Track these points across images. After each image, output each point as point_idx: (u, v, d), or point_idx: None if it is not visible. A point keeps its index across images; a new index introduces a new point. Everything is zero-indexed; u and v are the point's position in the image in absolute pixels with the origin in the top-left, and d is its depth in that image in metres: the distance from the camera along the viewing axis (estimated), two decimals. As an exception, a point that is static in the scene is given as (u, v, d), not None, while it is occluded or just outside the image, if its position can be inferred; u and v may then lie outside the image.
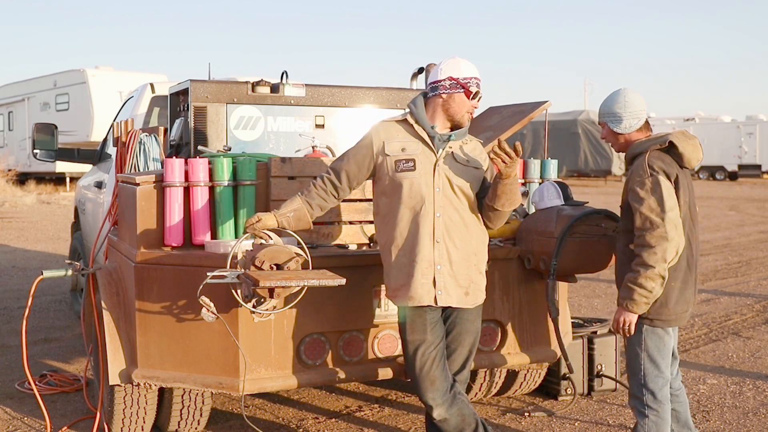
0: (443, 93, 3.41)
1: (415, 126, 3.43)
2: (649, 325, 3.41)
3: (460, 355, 3.52)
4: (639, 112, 3.46)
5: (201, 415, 4.14)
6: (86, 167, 9.27)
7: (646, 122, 3.51)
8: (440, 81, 3.42)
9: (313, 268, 3.41)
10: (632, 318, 3.36)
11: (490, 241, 4.04)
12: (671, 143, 3.39)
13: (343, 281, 3.26)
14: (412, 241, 3.37)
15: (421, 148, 3.41)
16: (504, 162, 3.27)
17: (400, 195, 3.38)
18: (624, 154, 3.55)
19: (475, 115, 3.56)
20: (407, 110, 3.52)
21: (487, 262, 3.61)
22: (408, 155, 3.39)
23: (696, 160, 3.45)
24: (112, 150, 5.71)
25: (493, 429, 4.41)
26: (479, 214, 3.51)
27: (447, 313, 3.48)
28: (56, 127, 6.55)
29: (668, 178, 3.33)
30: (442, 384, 3.40)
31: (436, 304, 3.38)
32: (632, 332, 3.39)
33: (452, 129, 3.46)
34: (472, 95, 3.40)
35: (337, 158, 3.57)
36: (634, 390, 3.52)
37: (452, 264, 3.39)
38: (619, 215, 3.66)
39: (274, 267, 3.27)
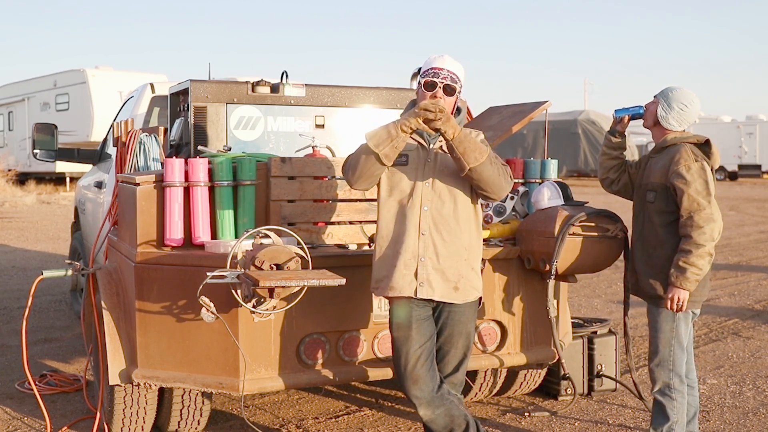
0: (417, 91, 3.50)
1: None
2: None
3: (454, 357, 3.50)
4: (686, 120, 3.75)
5: (201, 415, 4.14)
6: (86, 167, 9.27)
7: (683, 130, 3.79)
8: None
9: (313, 268, 3.42)
10: (685, 295, 3.57)
11: (490, 241, 4.06)
12: (708, 141, 3.74)
13: (343, 281, 3.26)
14: (397, 233, 3.40)
15: (415, 145, 3.46)
16: (435, 119, 3.21)
17: (390, 188, 3.43)
18: (650, 135, 3.92)
19: (453, 112, 3.43)
20: None
21: (484, 260, 3.60)
22: (402, 151, 3.42)
23: (718, 162, 3.77)
24: (112, 150, 5.71)
25: (490, 429, 4.42)
26: (477, 209, 3.51)
27: (438, 312, 3.47)
28: (56, 127, 6.54)
29: (709, 166, 3.66)
30: (426, 383, 3.38)
31: (416, 296, 3.37)
32: (684, 309, 3.60)
33: None
34: (427, 85, 3.40)
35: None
36: (663, 378, 3.73)
37: (439, 257, 3.38)
38: (619, 213, 3.76)
39: (274, 267, 3.27)
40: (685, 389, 3.76)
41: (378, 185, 3.48)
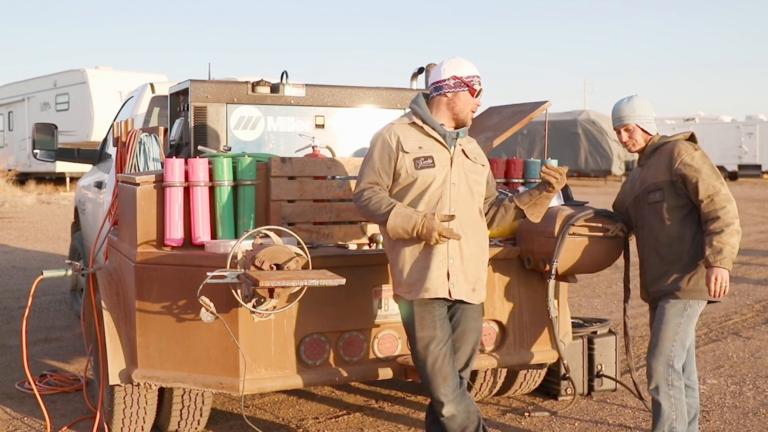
0: (448, 92, 3.47)
1: (425, 127, 3.48)
2: (701, 300, 3.67)
3: (464, 353, 3.54)
4: (653, 119, 3.86)
5: (201, 415, 4.14)
6: (86, 167, 9.26)
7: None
8: (444, 80, 3.48)
9: (313, 268, 3.42)
10: (726, 275, 3.55)
11: (491, 241, 4.06)
12: (693, 135, 3.80)
13: (343, 281, 3.26)
14: None
15: (436, 145, 3.46)
16: (555, 179, 3.44)
17: (418, 191, 3.42)
18: (632, 153, 3.93)
19: (475, 114, 3.58)
20: (409, 111, 3.55)
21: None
22: (426, 153, 3.43)
23: None
24: (112, 150, 5.71)
25: (491, 429, 4.43)
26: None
27: (452, 310, 3.50)
28: (56, 127, 6.54)
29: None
30: (453, 380, 3.42)
31: (451, 297, 3.41)
32: (727, 291, 3.57)
33: (456, 127, 3.52)
34: (476, 93, 3.46)
35: (365, 174, 3.46)
36: (660, 373, 3.69)
37: (463, 259, 3.42)
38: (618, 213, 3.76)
39: (274, 267, 3.27)
40: (683, 385, 3.73)
41: (404, 188, 3.44)
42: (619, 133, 3.86)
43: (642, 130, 3.79)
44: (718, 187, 3.57)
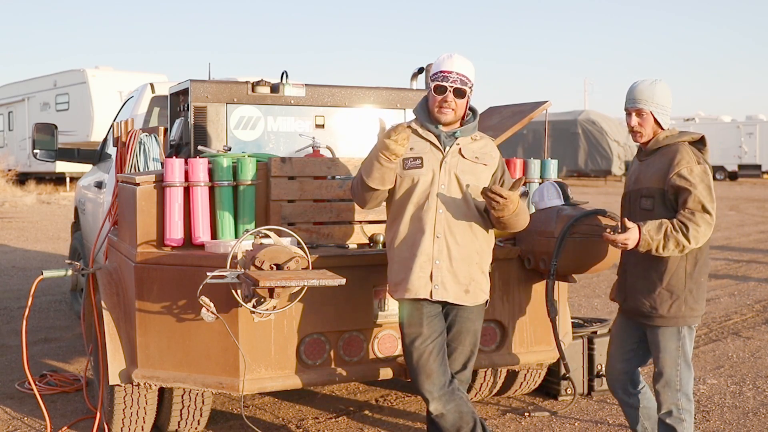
0: (428, 93, 3.52)
1: (420, 129, 3.49)
2: (687, 325, 3.51)
3: (461, 354, 3.53)
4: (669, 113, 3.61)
5: (201, 415, 4.14)
6: (86, 167, 9.27)
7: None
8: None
9: (313, 268, 3.42)
10: (631, 246, 3.32)
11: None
12: (703, 138, 3.55)
13: (343, 281, 3.26)
14: (413, 236, 3.41)
15: (428, 146, 3.46)
16: (493, 207, 3.30)
17: (406, 191, 3.44)
18: (636, 142, 3.64)
19: (451, 108, 3.42)
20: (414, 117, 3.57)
21: (491, 263, 3.62)
22: (416, 154, 3.44)
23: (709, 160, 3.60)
24: (112, 150, 5.72)
25: (492, 430, 4.43)
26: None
27: (447, 310, 3.49)
28: (56, 127, 6.55)
29: (710, 168, 3.49)
30: (438, 378, 3.40)
31: (432, 298, 3.39)
32: (627, 246, 3.34)
33: (461, 125, 3.51)
34: (435, 89, 3.42)
35: (358, 172, 3.50)
36: (670, 399, 3.53)
37: (452, 260, 3.40)
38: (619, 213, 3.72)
39: (274, 267, 3.27)
40: (693, 407, 3.58)
41: (395, 187, 3.47)
42: (629, 115, 3.54)
43: (655, 120, 3.52)
44: (708, 210, 3.33)
